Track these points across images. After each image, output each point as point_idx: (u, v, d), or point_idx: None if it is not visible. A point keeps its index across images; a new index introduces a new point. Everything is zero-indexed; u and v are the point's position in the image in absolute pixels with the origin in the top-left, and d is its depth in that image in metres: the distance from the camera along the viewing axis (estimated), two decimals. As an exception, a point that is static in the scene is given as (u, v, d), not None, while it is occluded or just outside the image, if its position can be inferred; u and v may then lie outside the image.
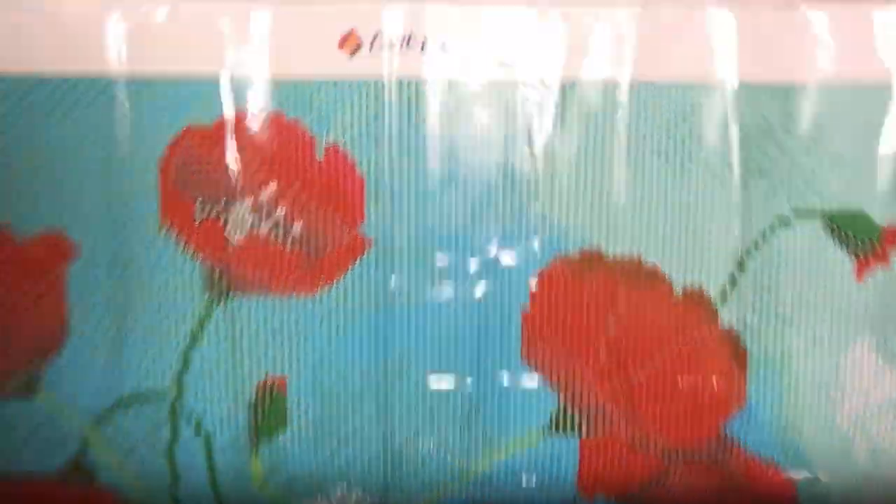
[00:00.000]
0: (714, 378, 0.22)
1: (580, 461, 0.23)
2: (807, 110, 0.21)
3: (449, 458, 0.23)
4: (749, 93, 0.21)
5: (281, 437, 0.23)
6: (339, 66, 0.21)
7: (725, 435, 0.23)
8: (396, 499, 0.23)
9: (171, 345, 0.22)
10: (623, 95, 0.21)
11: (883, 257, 0.22)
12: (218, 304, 0.22)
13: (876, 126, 0.21)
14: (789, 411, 0.22)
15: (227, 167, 0.21)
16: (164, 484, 0.23)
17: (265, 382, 0.22)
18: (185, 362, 0.22)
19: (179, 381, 0.22)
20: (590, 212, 0.21)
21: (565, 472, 0.23)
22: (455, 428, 0.23)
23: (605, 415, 0.23)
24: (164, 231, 0.21)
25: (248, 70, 0.21)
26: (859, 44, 0.21)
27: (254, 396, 0.22)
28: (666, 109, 0.21)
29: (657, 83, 0.21)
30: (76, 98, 0.21)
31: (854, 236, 0.21)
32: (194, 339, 0.22)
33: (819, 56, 0.21)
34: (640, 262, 0.22)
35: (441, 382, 0.22)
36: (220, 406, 0.22)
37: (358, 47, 0.20)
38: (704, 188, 0.21)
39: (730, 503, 0.23)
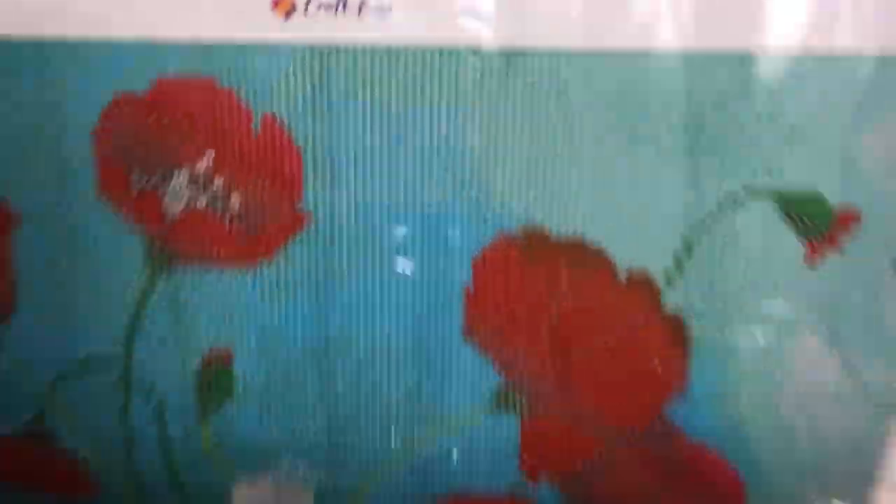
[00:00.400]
0: (656, 361, 0.22)
1: (522, 440, 0.23)
2: (763, 80, 0.20)
3: (392, 434, 0.23)
4: (700, 62, 0.20)
5: (227, 408, 0.23)
6: (273, 30, 0.20)
7: (666, 418, 0.22)
8: (341, 474, 0.24)
9: (118, 312, 0.22)
10: (568, 66, 0.20)
11: (835, 242, 0.21)
12: (160, 275, 0.22)
13: (837, 99, 0.20)
14: (732, 395, 0.22)
15: (161, 137, 0.21)
16: (119, 447, 0.24)
17: (210, 354, 0.22)
18: (133, 330, 0.22)
19: (129, 349, 0.23)
20: (532, 188, 0.21)
21: (507, 451, 0.23)
22: (397, 405, 0.23)
23: (546, 393, 0.22)
24: (102, 201, 0.21)
25: (180, 34, 0.20)
26: (823, 8, 0.19)
27: (200, 367, 0.23)
28: (612, 80, 0.20)
29: (603, 52, 0.20)
30: (7, 63, 0.20)
31: (807, 219, 0.21)
32: (140, 308, 0.22)
33: (777, 20, 0.19)
34: (583, 242, 0.21)
35: (390, 355, 0.22)
36: (169, 374, 0.23)
37: (293, 8, 0.20)
38: (651, 165, 0.20)
39: (672, 487, 0.23)
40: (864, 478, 0.23)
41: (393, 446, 0.23)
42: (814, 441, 0.23)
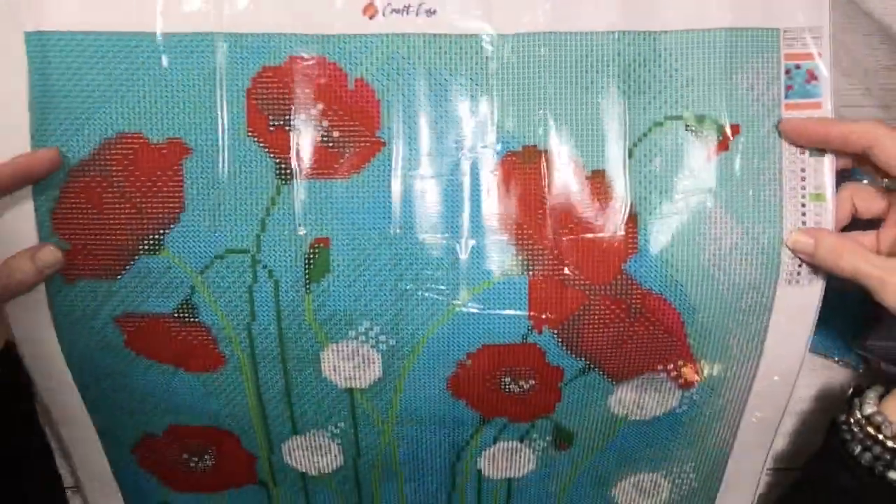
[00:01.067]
0: (615, 231, 0.32)
1: (530, 292, 0.33)
2: (670, 49, 0.32)
3: (441, 296, 0.33)
4: (628, 37, 0.32)
5: (325, 281, 0.33)
6: (363, 26, 0.31)
7: (625, 273, 0.33)
8: (405, 331, 0.34)
9: (253, 215, 0.33)
10: (544, 44, 0.32)
11: (725, 146, 0.32)
12: (285, 186, 0.32)
13: (719, 56, 0.31)
14: (669, 255, 0.33)
15: (289, 92, 0.32)
16: (243, 321, 0.34)
17: (315, 241, 0.33)
18: (263, 227, 0.33)
19: (258, 242, 0.33)
20: (530, 121, 0.32)
21: (520, 304, 0.33)
22: (445, 271, 0.33)
23: (545, 260, 0.33)
24: (248, 136, 0.32)
25: (305, 30, 0.31)
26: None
27: (308, 251, 0.33)
28: (573, 52, 0.32)
29: (565, 32, 0.31)
30: (190, 49, 0.32)
31: (706, 132, 0.32)
32: (268, 212, 0.33)
33: (677, 6, 0.31)
34: (562, 153, 0.32)
35: (438, 239, 0.33)
36: (285, 260, 0.33)
37: (375, 12, 0.32)
38: (603, 103, 0.32)
39: (633, 324, 0.34)
40: (762, 307, 0.34)
41: (441, 307, 0.33)
42: (729, 286, 0.33)
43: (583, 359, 0.34)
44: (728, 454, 0.38)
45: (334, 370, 0.35)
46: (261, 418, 0.36)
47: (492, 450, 0.38)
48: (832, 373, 0.41)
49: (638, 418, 0.36)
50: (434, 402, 0.35)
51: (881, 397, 0.32)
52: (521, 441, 0.37)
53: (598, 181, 0.32)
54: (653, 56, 0.32)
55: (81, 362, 0.34)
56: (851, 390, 0.33)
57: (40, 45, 0.31)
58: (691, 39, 0.32)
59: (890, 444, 0.30)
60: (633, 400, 0.36)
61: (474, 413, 0.36)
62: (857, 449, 0.31)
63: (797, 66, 0.32)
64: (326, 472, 0.38)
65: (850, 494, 0.32)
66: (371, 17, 0.32)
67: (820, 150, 0.32)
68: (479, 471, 0.38)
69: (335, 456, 0.37)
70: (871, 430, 0.31)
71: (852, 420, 0.32)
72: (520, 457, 0.38)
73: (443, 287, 0.33)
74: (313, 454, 0.37)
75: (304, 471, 0.38)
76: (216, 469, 0.38)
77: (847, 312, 0.38)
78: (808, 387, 0.41)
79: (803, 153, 0.32)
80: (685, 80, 0.32)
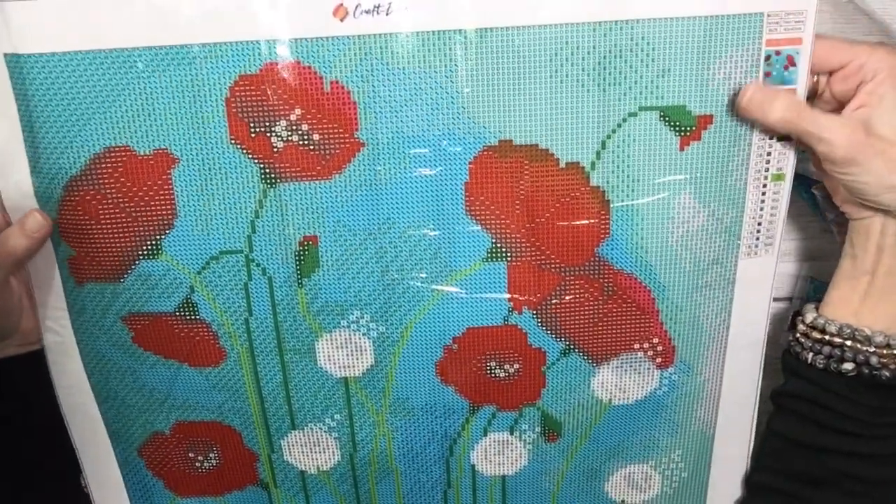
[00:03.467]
0: (588, 219, 0.34)
1: (508, 277, 0.35)
2: (647, 38, 0.31)
3: (424, 284, 0.35)
4: (604, 28, 0.31)
5: (315, 276, 0.35)
6: (334, 28, 0.31)
7: (598, 256, 0.35)
8: (393, 318, 0.36)
9: (242, 218, 0.34)
10: (519, 36, 0.32)
11: (698, 136, 0.33)
12: (271, 189, 0.34)
13: (697, 45, 0.31)
14: (639, 238, 0.35)
15: (266, 99, 0.32)
16: (240, 316, 0.36)
17: (304, 239, 0.35)
18: (253, 229, 0.34)
19: (250, 242, 0.35)
20: (504, 115, 0.33)
21: (500, 287, 0.35)
22: (427, 261, 0.35)
23: (521, 247, 0.35)
24: (231, 144, 0.33)
25: (276, 33, 0.31)
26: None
27: (297, 248, 0.35)
28: (548, 44, 0.32)
29: (540, 25, 0.31)
30: (169, 62, 0.32)
31: (678, 123, 0.33)
32: (257, 214, 0.34)
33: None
34: (537, 146, 0.33)
35: (420, 232, 0.34)
36: (276, 256, 0.35)
37: (346, 14, 0.31)
38: (578, 95, 0.32)
39: (607, 302, 0.36)
40: (726, 280, 0.36)
41: (425, 294, 0.35)
42: (694, 266, 0.35)
43: (563, 339, 0.37)
44: (712, 438, 0.40)
45: (329, 359, 0.37)
46: (261, 412, 0.38)
47: (483, 443, 0.39)
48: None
49: (621, 402, 0.38)
50: (424, 388, 0.38)
51: (817, 308, 0.35)
52: (511, 433, 0.39)
53: (572, 172, 0.34)
54: (629, 45, 0.32)
55: (94, 359, 0.37)
56: (791, 316, 0.36)
57: (19, 68, 0.31)
58: (669, 27, 0.31)
59: (836, 339, 0.33)
60: (615, 383, 0.38)
61: (463, 400, 0.38)
62: (810, 356, 0.34)
63: (777, 53, 0.32)
64: (324, 469, 0.40)
65: (814, 404, 0.35)
66: (342, 19, 0.32)
67: (788, 137, 0.33)
68: (473, 466, 0.40)
69: (333, 452, 0.40)
70: (816, 334, 0.34)
71: (798, 334, 0.35)
72: (511, 450, 0.40)
73: (426, 275, 0.35)
74: (311, 450, 0.39)
75: (303, 469, 0.40)
76: (220, 470, 0.41)
77: None
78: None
79: (771, 137, 0.33)
80: (661, 71, 0.32)
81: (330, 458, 0.40)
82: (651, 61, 0.32)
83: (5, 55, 0.31)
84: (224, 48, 0.32)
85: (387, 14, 0.31)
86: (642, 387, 0.38)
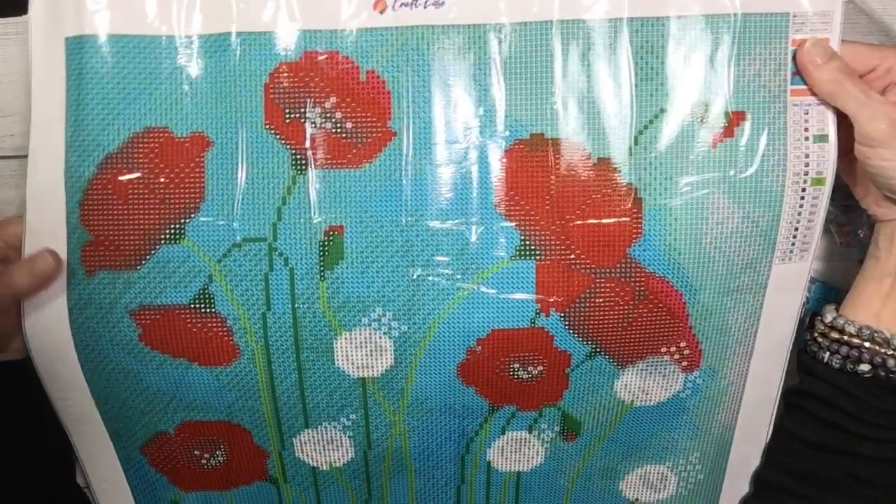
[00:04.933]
0: (619, 217, 0.33)
1: (537, 277, 0.34)
2: (678, 35, 0.32)
3: (450, 281, 0.34)
4: (636, 24, 0.32)
5: (338, 269, 0.34)
6: (374, 20, 0.33)
7: (630, 257, 0.34)
8: (416, 317, 0.35)
9: (269, 204, 0.34)
10: (552, 35, 0.32)
11: (730, 133, 0.33)
12: (300, 175, 0.34)
13: (727, 42, 0.32)
14: (672, 239, 0.34)
15: (305, 86, 0.33)
16: (258, 310, 0.35)
17: (330, 229, 0.34)
18: (279, 216, 0.34)
19: (275, 230, 0.34)
20: (537, 109, 0.33)
21: (528, 287, 0.34)
22: (454, 257, 0.34)
23: (551, 245, 0.34)
24: (265, 129, 0.33)
25: (317, 24, 0.33)
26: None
27: (322, 238, 0.34)
28: (585, 40, 0.32)
29: (578, 21, 0.32)
30: (214, 47, 0.33)
31: (711, 119, 0.33)
32: (284, 201, 0.34)
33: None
34: (568, 140, 0.33)
35: (448, 226, 0.34)
36: (300, 246, 0.34)
37: (385, 7, 0.33)
38: (610, 91, 0.33)
39: (638, 306, 0.34)
40: (758, 285, 0.34)
41: (450, 291, 0.34)
42: (726, 268, 0.34)
43: (589, 343, 0.35)
44: (731, 441, 0.39)
45: (347, 359, 0.36)
46: (273, 412, 0.37)
47: (500, 441, 0.38)
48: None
49: (643, 404, 0.37)
50: (444, 389, 0.36)
51: (836, 308, 0.34)
52: (530, 431, 0.38)
53: (603, 168, 0.33)
54: (661, 42, 0.32)
55: (93, 359, 0.36)
56: (808, 317, 0.36)
57: (79, 49, 0.32)
58: (700, 25, 0.32)
59: (855, 340, 0.33)
60: (639, 385, 0.37)
61: (483, 401, 0.37)
62: (827, 355, 0.34)
63: (805, 52, 0.32)
64: (337, 465, 0.39)
65: (826, 404, 0.34)
66: (381, 12, 0.33)
67: (823, 136, 0.33)
68: (489, 463, 0.39)
69: (346, 449, 0.38)
70: (835, 334, 0.34)
71: (817, 333, 0.34)
72: (528, 448, 0.39)
73: (452, 272, 0.34)
74: (325, 448, 0.38)
75: (314, 465, 0.39)
76: (227, 466, 0.39)
77: None
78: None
79: (807, 139, 0.33)
80: (692, 67, 0.32)
81: (343, 456, 0.39)
82: (682, 57, 0.32)
83: (66, 38, 0.32)
84: (266, 37, 0.33)
85: (424, 7, 0.33)
86: (665, 389, 0.37)
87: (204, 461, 0.39)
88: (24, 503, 0.38)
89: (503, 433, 0.38)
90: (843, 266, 0.40)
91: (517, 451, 0.39)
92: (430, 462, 0.39)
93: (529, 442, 0.38)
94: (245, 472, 0.39)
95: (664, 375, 0.36)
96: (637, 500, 0.41)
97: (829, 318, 0.34)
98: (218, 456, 0.39)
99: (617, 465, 0.39)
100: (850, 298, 0.34)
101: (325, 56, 0.33)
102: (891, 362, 0.32)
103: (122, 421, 0.38)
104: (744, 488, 0.40)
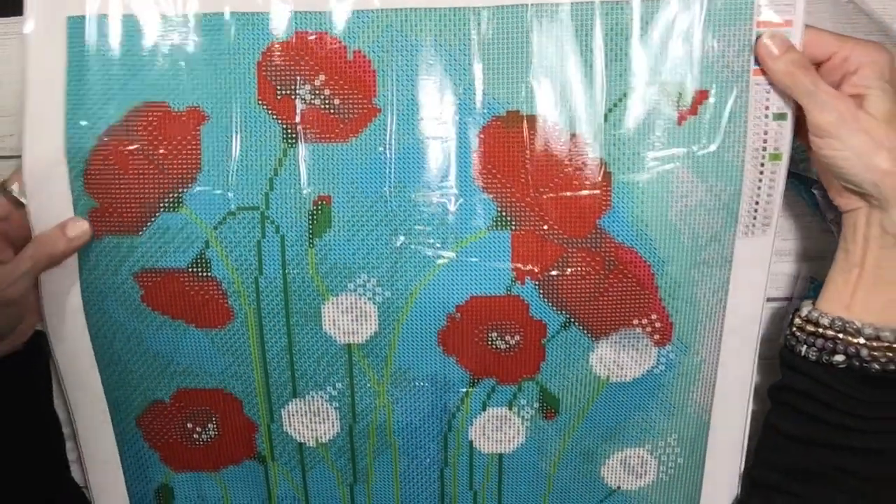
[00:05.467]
0: (590, 190, 0.35)
1: (512, 246, 0.36)
2: (646, 18, 0.34)
3: (431, 249, 0.37)
4: (607, 7, 0.34)
5: (327, 236, 0.37)
6: (362, 2, 0.35)
7: (600, 227, 0.36)
8: (398, 283, 0.37)
9: (262, 175, 0.36)
10: (527, 17, 0.34)
11: (694, 111, 0.35)
12: (291, 149, 0.36)
13: (693, 25, 0.34)
14: (639, 211, 0.36)
15: (295, 64, 0.35)
16: (251, 274, 0.37)
17: (318, 198, 0.36)
18: (271, 186, 0.36)
19: (267, 199, 0.36)
20: (513, 88, 0.35)
21: (504, 255, 0.36)
22: (435, 226, 0.36)
23: (526, 216, 0.36)
24: (258, 104, 0.36)
25: (308, 5, 0.35)
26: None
27: (311, 207, 0.36)
28: (559, 22, 0.34)
29: (553, 4, 0.34)
30: (211, 27, 0.35)
31: (675, 98, 0.35)
32: (275, 172, 0.36)
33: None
34: (543, 117, 0.35)
35: (429, 197, 0.36)
36: (291, 214, 0.36)
37: (372, -9, 0.35)
38: (582, 71, 0.35)
39: (609, 281, 0.36)
40: (723, 259, 0.36)
41: (431, 259, 0.36)
42: (692, 241, 0.36)
43: (563, 312, 0.37)
44: (708, 424, 0.40)
45: (334, 325, 0.38)
46: (264, 378, 0.39)
47: (482, 418, 0.39)
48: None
49: (619, 380, 0.38)
50: (426, 358, 0.38)
51: (813, 303, 0.35)
52: (510, 408, 0.39)
53: (575, 143, 0.35)
54: (630, 24, 0.34)
55: (99, 319, 0.38)
56: (791, 314, 0.37)
57: (80, 27, 0.35)
58: (666, 8, 0.34)
59: (829, 332, 0.34)
60: (613, 359, 0.38)
61: (464, 372, 0.38)
62: (804, 348, 0.34)
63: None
64: (323, 441, 0.40)
65: (808, 397, 0.35)
66: (369, -5, 0.35)
67: (782, 115, 0.35)
68: (471, 442, 0.40)
69: (332, 423, 0.40)
70: (810, 327, 0.35)
71: (794, 328, 0.35)
72: (509, 427, 0.40)
73: (433, 241, 0.36)
74: (311, 420, 0.40)
75: (301, 441, 0.40)
76: (218, 441, 0.41)
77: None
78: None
79: (767, 117, 0.35)
80: (659, 48, 0.34)
81: (329, 430, 0.40)
82: (649, 39, 0.34)
83: (68, 17, 0.35)
84: (260, 17, 0.35)
85: (403, -8, 0.35)
86: (640, 364, 0.38)
87: (196, 435, 0.40)
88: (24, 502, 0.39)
89: (484, 409, 0.39)
90: None
91: (498, 429, 0.40)
92: (413, 439, 0.40)
93: (510, 420, 0.39)
94: (235, 448, 0.41)
95: (637, 349, 0.38)
96: (619, 487, 0.41)
97: (804, 311, 0.35)
98: (210, 430, 0.40)
99: (597, 447, 0.40)
100: (823, 291, 0.35)
101: (315, 36, 0.35)
102: (864, 352, 0.33)
103: (122, 388, 0.40)
104: (726, 477, 0.40)
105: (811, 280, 0.41)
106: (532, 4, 0.34)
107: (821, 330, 0.34)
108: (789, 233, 0.41)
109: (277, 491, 0.42)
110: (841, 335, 0.33)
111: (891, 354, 0.33)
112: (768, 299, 0.39)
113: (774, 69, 0.33)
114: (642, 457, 0.41)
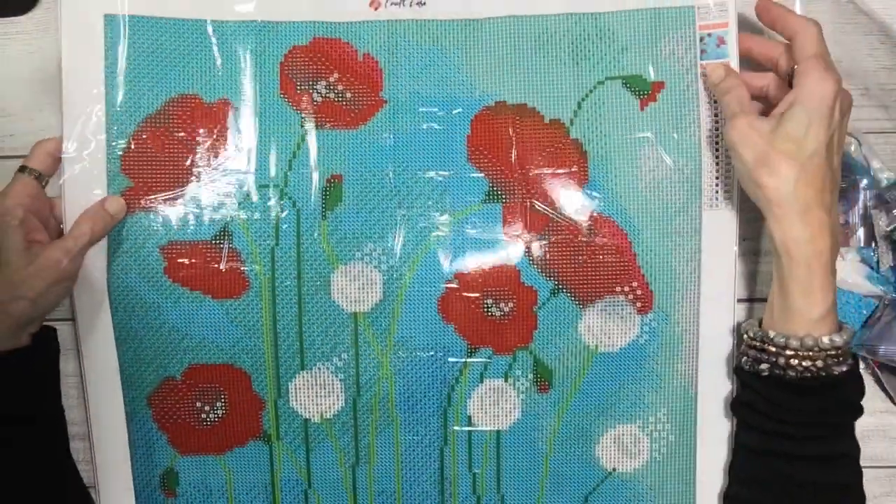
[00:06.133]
0: (570, 167, 0.41)
1: (503, 216, 0.41)
2: (609, 24, 0.41)
3: (431, 221, 0.41)
4: (575, 17, 0.41)
5: (338, 210, 0.41)
6: (370, 14, 0.41)
7: (580, 199, 0.41)
8: (402, 252, 0.41)
9: (282, 157, 0.41)
10: (511, 26, 0.41)
11: (654, 98, 0.41)
12: (308, 135, 0.41)
13: (647, 29, 0.40)
14: (614, 184, 0.41)
15: (314, 62, 0.41)
16: (269, 245, 0.41)
17: (331, 177, 0.41)
18: (290, 167, 0.41)
19: (286, 178, 0.41)
20: (499, 80, 0.41)
21: (495, 227, 0.41)
22: (435, 200, 0.41)
23: (514, 191, 0.41)
24: (280, 97, 0.41)
25: (325, 16, 0.41)
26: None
27: (325, 185, 0.41)
28: (536, 30, 0.41)
29: (531, 16, 0.41)
30: (236, 34, 0.41)
31: (637, 88, 0.41)
32: (294, 155, 0.41)
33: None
34: (525, 105, 0.41)
35: (439, 175, 0.41)
36: (306, 191, 0.41)
37: (379, 5, 0.41)
38: (557, 68, 0.41)
39: (591, 248, 0.41)
40: (693, 230, 0.41)
41: (431, 229, 0.41)
42: (663, 211, 0.41)
43: (552, 279, 0.41)
44: (695, 398, 0.42)
45: (341, 293, 0.41)
46: (273, 350, 0.41)
47: (479, 389, 0.42)
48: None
49: (607, 350, 0.42)
50: (427, 326, 0.41)
51: (760, 323, 0.38)
52: (506, 380, 0.42)
53: (555, 127, 0.41)
54: (595, 31, 0.41)
55: (122, 294, 0.41)
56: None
57: (117, 25, 0.40)
58: (625, 17, 0.41)
59: (772, 348, 0.36)
60: (600, 327, 0.41)
61: (462, 340, 0.42)
62: (756, 366, 0.37)
63: (709, 34, 0.41)
64: (328, 416, 0.42)
65: (753, 408, 0.37)
66: (376, 9, 0.42)
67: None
68: (469, 418, 0.42)
69: (337, 396, 0.42)
70: (746, 339, 0.37)
71: (744, 347, 0.38)
72: (506, 401, 0.42)
73: (432, 214, 0.41)
74: (317, 394, 0.42)
75: (307, 416, 0.42)
76: (225, 421, 0.42)
77: (847, 315, 0.41)
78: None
79: (716, 102, 0.41)
80: (621, 48, 0.41)
81: (334, 403, 0.42)
82: (613, 42, 0.41)
83: (105, 15, 0.40)
84: (284, 25, 0.41)
85: (410, 6, 0.41)
86: (625, 332, 0.41)
87: (204, 415, 0.42)
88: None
89: (481, 381, 0.42)
90: (842, 266, 0.40)
91: (495, 403, 0.42)
92: (414, 414, 0.42)
93: (506, 393, 0.42)
94: (241, 428, 0.42)
95: (622, 317, 0.41)
96: (615, 469, 0.43)
97: (752, 332, 0.37)
98: (218, 408, 0.42)
99: (590, 424, 0.42)
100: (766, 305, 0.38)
101: (330, 42, 0.41)
102: (780, 360, 0.35)
103: (136, 365, 0.42)
104: (718, 455, 0.42)
105: None
106: (515, 16, 0.41)
107: (751, 342, 0.37)
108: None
109: (281, 474, 0.43)
110: (762, 345, 0.36)
111: (798, 362, 0.35)
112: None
113: (714, 91, 0.39)
114: (634, 434, 0.42)
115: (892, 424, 0.44)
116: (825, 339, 0.35)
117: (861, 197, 0.42)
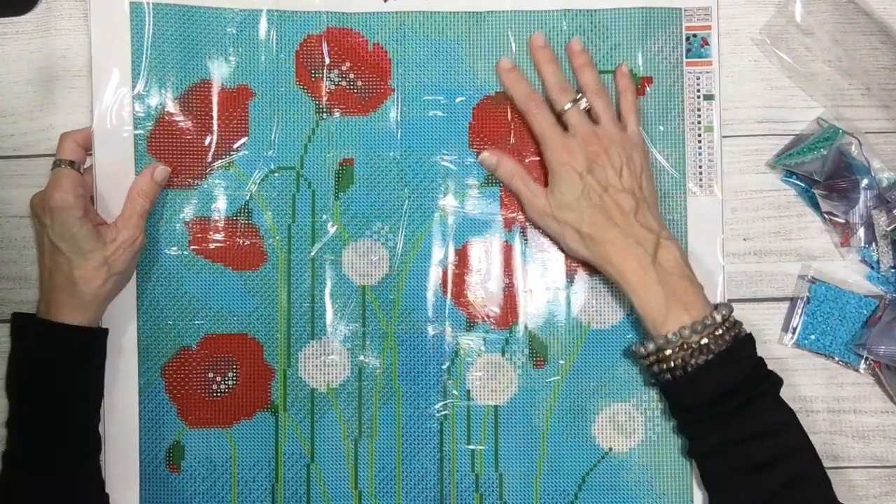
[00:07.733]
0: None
1: (501, 199, 0.45)
2: (602, 22, 0.44)
3: (433, 203, 0.45)
4: (571, 14, 0.44)
5: (349, 191, 0.45)
6: (381, 6, 0.44)
7: (572, 183, 0.45)
8: (408, 229, 0.45)
9: (298, 141, 0.44)
10: (511, 21, 0.44)
11: (642, 93, 0.44)
12: (322, 121, 0.44)
13: (637, 27, 0.44)
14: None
15: (324, 54, 0.44)
16: (285, 223, 0.45)
17: (343, 160, 0.45)
18: (305, 150, 0.45)
19: (302, 161, 0.45)
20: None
21: (494, 208, 0.45)
22: (438, 184, 0.45)
23: (513, 175, 0.45)
24: (296, 85, 0.44)
25: (337, 7, 0.44)
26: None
27: (337, 168, 0.45)
28: (534, 25, 0.44)
29: (529, 11, 0.44)
30: (246, 22, 0.44)
31: (633, 78, 0.44)
32: (309, 139, 0.45)
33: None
34: (524, 95, 0.44)
35: (442, 160, 0.44)
36: (320, 173, 0.45)
37: (389, -3, 0.44)
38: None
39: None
40: (679, 214, 0.45)
41: (435, 209, 0.44)
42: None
43: (546, 256, 0.45)
44: None
45: (352, 267, 0.45)
46: (286, 319, 0.44)
47: (478, 363, 0.44)
48: (832, 373, 0.43)
49: (599, 327, 0.44)
50: (428, 300, 0.44)
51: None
52: (503, 355, 0.44)
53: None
54: (590, 27, 0.44)
55: (147, 265, 0.44)
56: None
57: (142, 13, 0.43)
58: (617, 15, 0.44)
59: (651, 359, 0.40)
60: (593, 305, 0.44)
61: (461, 314, 0.45)
62: (653, 379, 0.41)
63: (694, 35, 0.44)
64: (334, 385, 0.44)
65: (672, 415, 0.42)
66: (385, 1, 0.44)
67: (710, 96, 0.44)
68: (468, 392, 0.44)
69: (344, 366, 0.44)
70: (653, 358, 0.40)
71: (644, 363, 0.41)
72: (503, 375, 0.44)
73: (437, 194, 0.45)
74: (325, 363, 0.44)
75: (314, 386, 0.44)
76: (235, 392, 0.44)
77: (847, 315, 0.42)
78: (808, 385, 0.44)
79: (699, 97, 0.45)
80: (612, 45, 0.44)
81: (340, 373, 0.44)
82: (606, 38, 0.44)
83: (131, 3, 0.43)
84: (300, 15, 0.44)
85: (418, -5, 0.44)
86: (616, 310, 0.44)
87: (215, 385, 0.44)
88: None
89: (479, 355, 0.44)
90: (843, 266, 0.41)
91: (493, 377, 0.44)
92: (415, 386, 0.44)
93: (503, 367, 0.44)
94: (250, 400, 0.44)
95: (613, 295, 0.44)
96: (611, 448, 0.44)
97: (649, 348, 0.40)
98: (229, 379, 0.44)
99: (586, 401, 0.44)
100: None
101: (343, 32, 0.44)
102: (655, 368, 0.39)
103: (154, 335, 0.44)
104: None
105: (811, 280, 0.44)
106: (515, 11, 0.44)
107: (642, 361, 0.41)
108: (789, 233, 0.43)
109: (284, 446, 0.44)
110: (645, 360, 0.40)
111: (652, 362, 0.39)
112: (769, 299, 0.42)
113: (498, 175, 0.44)
114: (629, 412, 0.44)
115: (892, 424, 0.44)
116: (671, 336, 0.38)
117: (861, 197, 0.42)
